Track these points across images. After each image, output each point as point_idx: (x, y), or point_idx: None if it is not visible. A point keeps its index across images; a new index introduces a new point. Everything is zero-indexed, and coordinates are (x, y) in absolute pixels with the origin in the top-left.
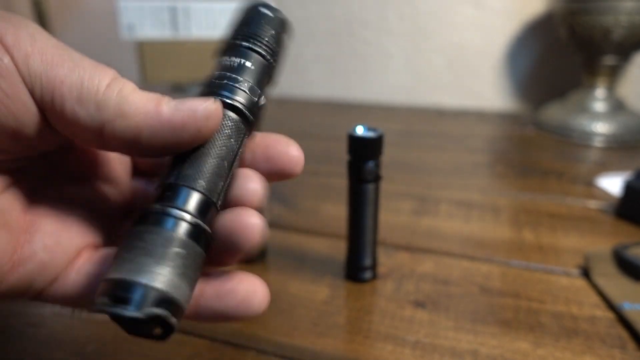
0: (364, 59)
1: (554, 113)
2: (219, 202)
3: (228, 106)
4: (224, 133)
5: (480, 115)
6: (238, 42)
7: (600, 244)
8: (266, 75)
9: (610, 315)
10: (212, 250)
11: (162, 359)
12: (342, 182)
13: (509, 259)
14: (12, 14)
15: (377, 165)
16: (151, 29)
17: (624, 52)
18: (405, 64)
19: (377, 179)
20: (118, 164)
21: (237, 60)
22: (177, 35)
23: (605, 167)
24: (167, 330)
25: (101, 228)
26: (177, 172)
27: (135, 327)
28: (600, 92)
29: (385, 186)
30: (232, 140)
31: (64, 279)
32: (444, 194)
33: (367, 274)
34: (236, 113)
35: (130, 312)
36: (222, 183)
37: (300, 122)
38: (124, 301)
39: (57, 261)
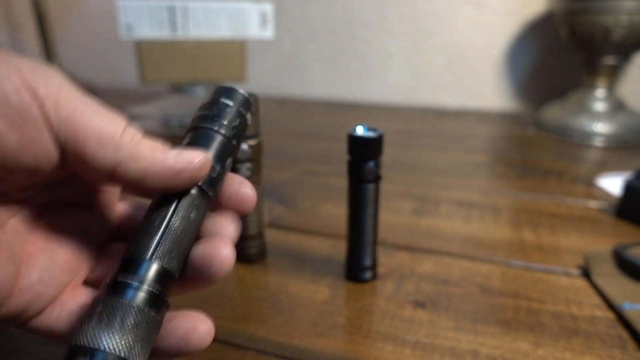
0: (364, 59)
1: (554, 113)
2: (177, 270)
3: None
4: (183, 208)
5: (480, 115)
6: (203, 125)
7: (600, 244)
8: (227, 153)
9: (610, 315)
10: (187, 279)
11: None
12: (342, 182)
13: (509, 259)
14: (40, 63)
15: (377, 165)
16: (149, 29)
17: (624, 52)
18: (405, 64)
19: (377, 179)
20: (109, 191)
21: (201, 141)
22: (176, 35)
23: (605, 167)
24: None
25: (89, 258)
26: (140, 245)
27: None
28: (600, 92)
29: (385, 186)
30: (192, 214)
31: (49, 312)
32: (444, 194)
33: (367, 274)
34: (197, 190)
35: None
36: (182, 252)
37: (300, 122)
38: None
39: (49, 294)
